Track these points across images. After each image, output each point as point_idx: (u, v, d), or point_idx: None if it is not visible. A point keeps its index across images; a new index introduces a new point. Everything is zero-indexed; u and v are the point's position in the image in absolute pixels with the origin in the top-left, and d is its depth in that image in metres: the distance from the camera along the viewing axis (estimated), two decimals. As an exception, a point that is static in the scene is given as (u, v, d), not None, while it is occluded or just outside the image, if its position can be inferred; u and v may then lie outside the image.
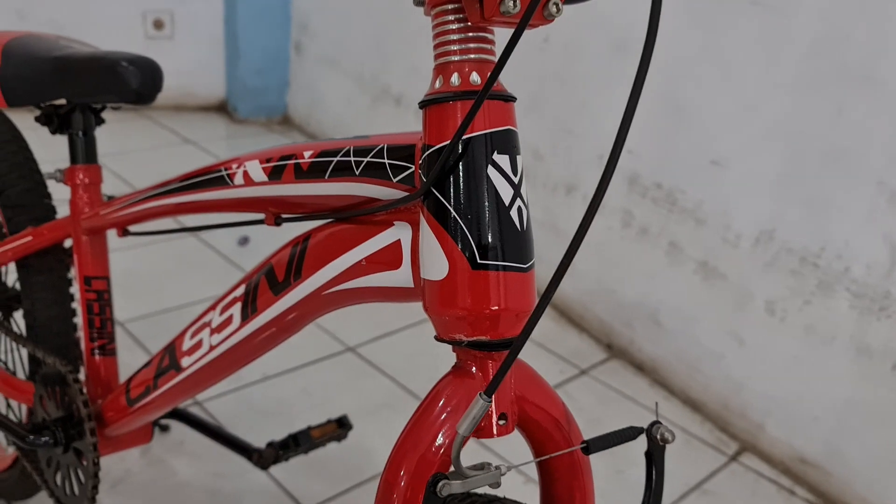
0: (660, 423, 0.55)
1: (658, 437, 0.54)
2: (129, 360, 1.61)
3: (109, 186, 2.37)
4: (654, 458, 0.54)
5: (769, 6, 1.44)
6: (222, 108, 3.15)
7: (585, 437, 0.55)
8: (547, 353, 1.81)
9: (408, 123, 2.47)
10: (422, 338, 1.80)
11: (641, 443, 0.57)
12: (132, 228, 0.93)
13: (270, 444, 0.96)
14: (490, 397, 0.46)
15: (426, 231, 0.53)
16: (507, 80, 0.53)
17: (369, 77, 2.62)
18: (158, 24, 2.93)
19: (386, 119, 2.57)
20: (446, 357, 0.56)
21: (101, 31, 2.84)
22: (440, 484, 0.48)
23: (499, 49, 0.53)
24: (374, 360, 1.72)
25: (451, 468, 0.49)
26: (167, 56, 2.96)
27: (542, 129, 1.93)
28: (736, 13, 1.49)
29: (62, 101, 0.94)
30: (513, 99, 0.53)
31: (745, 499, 1.46)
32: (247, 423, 1.48)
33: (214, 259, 2.08)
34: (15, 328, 1.10)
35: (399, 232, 0.57)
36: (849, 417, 1.42)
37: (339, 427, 0.99)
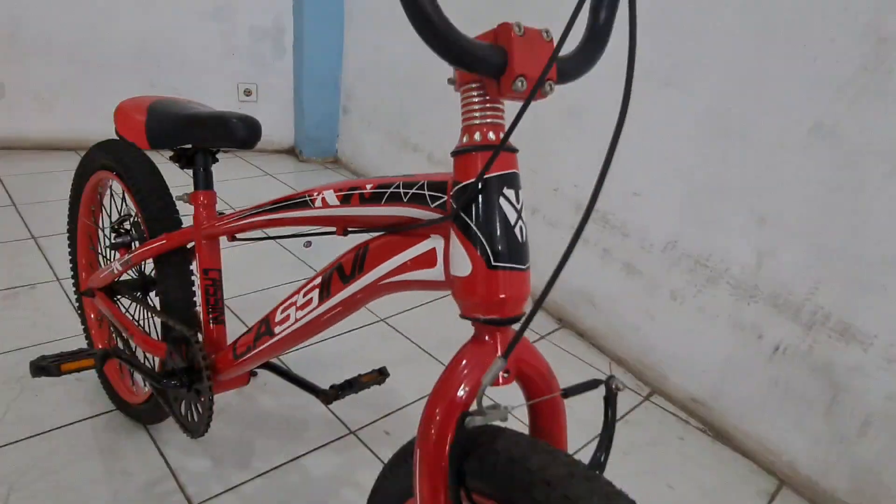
0: (614, 376, 0.54)
1: (613, 387, 0.53)
2: (231, 328, 1.60)
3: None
4: (610, 402, 0.53)
5: (676, 86, 1.44)
6: (291, 151, 3.13)
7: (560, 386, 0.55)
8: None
9: (421, 164, 2.45)
10: (433, 313, 1.79)
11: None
12: (238, 236, 0.91)
13: (332, 386, 0.95)
14: (506, 359, 0.46)
15: (455, 242, 0.52)
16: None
17: (394, 132, 2.61)
18: (248, 92, 2.91)
19: (406, 161, 2.55)
20: (451, 327, 0.55)
21: (208, 97, 2.82)
22: (467, 419, 0.47)
23: (508, 115, 0.52)
24: (399, 328, 1.70)
25: (473, 407, 0.48)
26: (254, 115, 2.96)
27: (516, 169, 1.92)
28: (653, 91, 1.48)
29: (189, 146, 0.93)
30: (517, 150, 0.53)
31: (655, 426, 1.46)
32: (313, 370, 1.47)
33: (287, 256, 2.06)
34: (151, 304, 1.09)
35: (434, 242, 0.56)
36: (726, 371, 1.42)
37: (380, 375, 0.98)
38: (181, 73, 2.74)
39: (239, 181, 2.68)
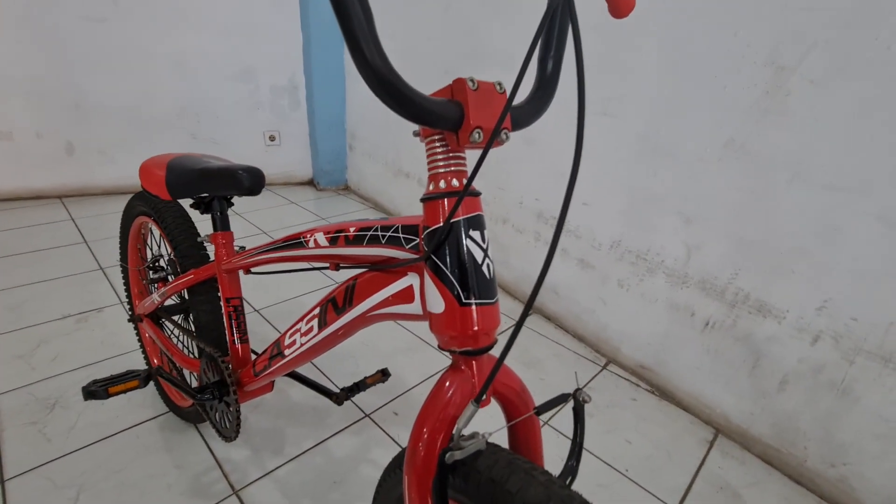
0: (580, 389, 0.46)
1: (581, 399, 0.45)
2: (262, 332, 1.51)
3: (248, 228, 2.26)
4: (578, 414, 0.45)
5: (612, 116, 1.36)
6: (310, 183, 3.04)
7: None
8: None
9: (412, 186, 2.37)
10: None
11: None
12: (254, 270, 0.83)
13: (343, 389, 0.86)
14: (478, 403, 0.37)
15: (429, 282, 0.44)
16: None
17: (391, 163, 2.53)
18: (272, 138, 2.82)
19: (401, 185, 2.47)
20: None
21: (239, 143, 2.73)
22: (447, 455, 0.39)
23: (469, 162, 0.44)
24: (402, 322, 1.62)
25: (452, 442, 0.40)
26: (278, 156, 2.87)
27: (488, 187, 1.84)
28: (593, 121, 1.41)
29: (205, 194, 0.84)
30: (479, 193, 0.44)
31: (611, 390, 1.39)
32: (330, 362, 1.39)
33: (309, 273, 1.97)
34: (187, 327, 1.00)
35: (411, 279, 0.48)
36: (667, 343, 1.36)
37: (383, 375, 0.90)
38: (217, 126, 2.64)
39: (270, 210, 2.59)
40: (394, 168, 2.51)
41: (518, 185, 1.72)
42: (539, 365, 1.46)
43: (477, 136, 0.39)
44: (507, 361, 1.46)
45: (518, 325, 0.37)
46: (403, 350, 1.47)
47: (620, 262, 1.43)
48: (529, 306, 0.36)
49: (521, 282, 1.80)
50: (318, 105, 2.73)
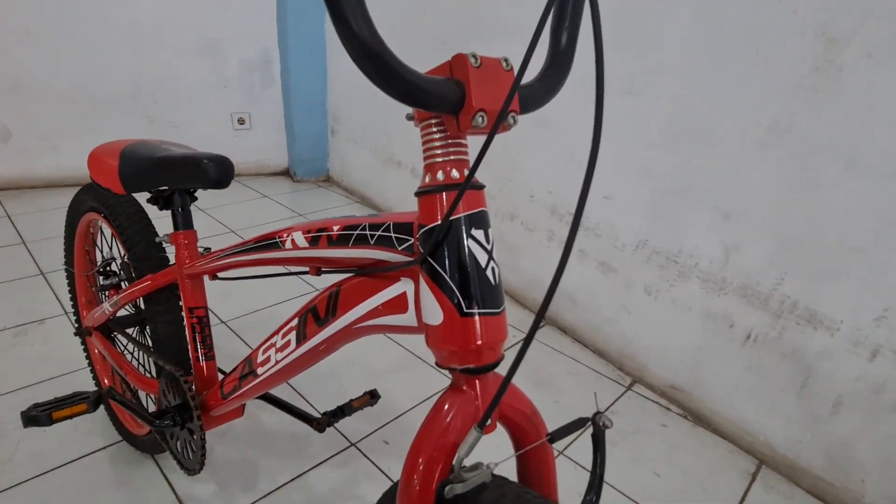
0: (601, 413, 0.46)
1: (601, 423, 0.45)
2: (232, 347, 1.51)
3: (215, 228, 2.27)
4: (599, 440, 0.45)
5: (636, 95, 1.36)
6: (286, 173, 3.04)
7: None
8: (504, 324, 1.73)
9: (406, 178, 2.37)
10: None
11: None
12: (221, 275, 0.83)
13: (325, 414, 0.86)
14: (482, 428, 0.38)
15: (425, 289, 0.44)
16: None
17: (379, 149, 2.53)
18: (241, 121, 2.82)
19: (392, 176, 2.47)
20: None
21: (203, 127, 2.73)
22: (447, 489, 0.39)
23: (472, 149, 0.44)
24: (393, 336, 1.62)
25: (452, 473, 0.41)
26: (248, 141, 2.88)
27: (493, 178, 1.85)
28: (614, 101, 1.41)
29: (165, 187, 0.84)
30: (483, 186, 0.45)
31: (637, 414, 1.39)
32: (310, 383, 1.39)
33: (286, 279, 1.98)
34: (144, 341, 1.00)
35: (405, 285, 0.48)
36: (701, 358, 1.36)
37: (371, 398, 0.90)
38: (177, 108, 2.64)
39: (240, 204, 2.59)
40: (384, 155, 2.51)
41: (529, 175, 1.72)
42: (553, 385, 1.46)
43: (480, 119, 0.39)
44: (516, 380, 1.46)
45: (528, 338, 0.38)
46: (395, 368, 1.48)
47: (647, 265, 1.43)
48: (541, 316, 0.36)
49: (533, 288, 1.81)
50: (294, 82, 2.73)
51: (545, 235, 1.71)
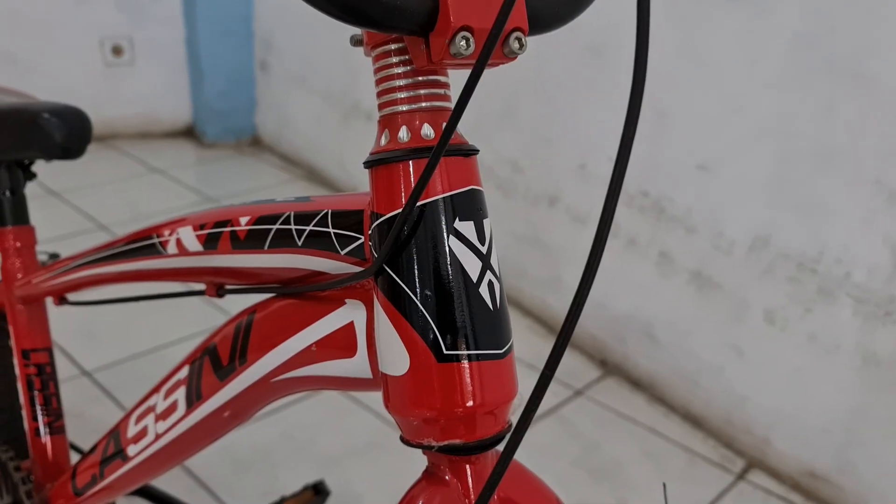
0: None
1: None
2: (99, 413, 1.53)
3: (74, 223, 2.29)
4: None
5: (747, 1, 1.37)
6: (190, 133, 3.07)
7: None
8: (537, 374, 1.73)
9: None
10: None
11: None
12: (70, 297, 0.84)
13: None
14: None
15: (381, 317, 0.45)
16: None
17: (338, 93, 2.55)
18: (117, 51, 2.85)
19: (357, 135, 2.49)
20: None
21: (59, 60, 2.76)
22: None
23: (455, 91, 0.45)
24: (362, 398, 1.63)
25: None
26: (128, 83, 2.91)
27: (519, 139, 1.86)
28: (712, 11, 1.42)
29: (-16, 159, 0.85)
30: (475, 152, 0.45)
31: (755, 520, 1.39)
32: (221, 474, 1.40)
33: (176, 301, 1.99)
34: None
35: (352, 312, 0.49)
36: (859, 428, 1.36)
37: (316, 494, 0.91)
38: (17, 32, 2.68)
39: (115, 184, 2.62)
40: (344, 103, 2.53)
41: (578, 133, 1.73)
42: (619, 475, 1.46)
43: (463, 43, 0.39)
44: (553, 464, 1.46)
45: (543, 382, 0.38)
46: (358, 447, 1.48)
47: (769, 277, 1.44)
48: (565, 341, 0.37)
49: (586, 315, 1.81)
50: (202, -12, 2.77)
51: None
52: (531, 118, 1.82)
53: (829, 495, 1.42)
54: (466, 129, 0.46)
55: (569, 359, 1.81)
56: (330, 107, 2.61)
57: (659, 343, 1.66)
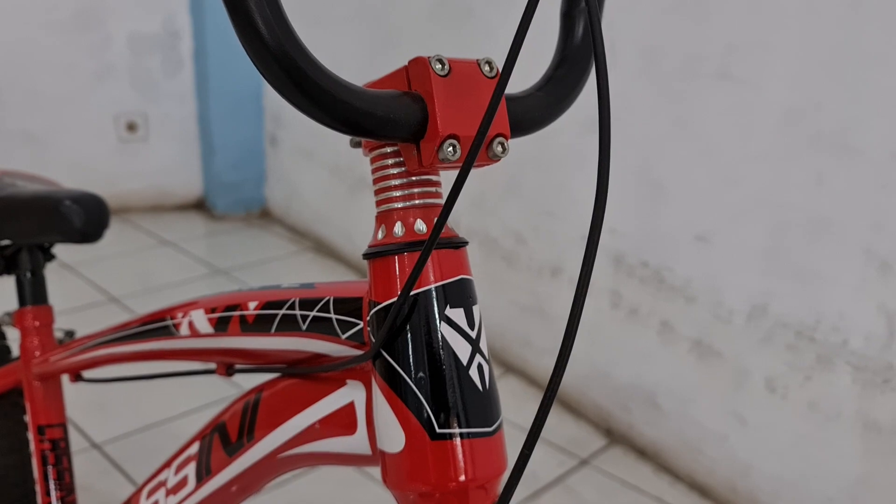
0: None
1: None
2: (108, 486, 1.54)
3: (87, 296, 2.33)
4: None
5: (739, 80, 1.42)
6: (200, 206, 3.12)
7: None
8: (543, 444, 1.74)
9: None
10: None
11: None
12: (87, 374, 0.87)
13: None
14: None
15: (378, 397, 0.48)
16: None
17: (345, 167, 2.60)
18: (131, 127, 2.92)
19: (363, 208, 2.53)
20: None
21: (75, 137, 2.83)
22: None
23: (446, 186, 0.49)
24: (365, 469, 1.63)
25: None
26: (142, 158, 2.97)
27: (523, 212, 1.90)
28: (704, 89, 1.47)
29: (7, 241, 0.90)
30: (464, 244, 0.49)
31: (764, 592, 1.38)
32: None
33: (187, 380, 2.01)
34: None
35: (352, 392, 0.52)
36: (864, 497, 1.36)
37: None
38: (34, 108, 2.75)
39: (125, 258, 2.66)
40: (351, 176, 2.59)
41: (579, 205, 1.77)
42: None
43: (450, 150, 0.44)
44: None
45: (529, 443, 0.40)
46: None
47: (768, 345, 1.46)
48: (550, 399, 0.39)
49: (589, 384, 1.82)
50: (214, 66, 2.84)
51: (607, 299, 1.74)
52: (534, 191, 1.87)
53: (837, 566, 1.41)
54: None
55: (574, 427, 1.82)
56: (337, 180, 2.66)
57: (663, 411, 1.67)
